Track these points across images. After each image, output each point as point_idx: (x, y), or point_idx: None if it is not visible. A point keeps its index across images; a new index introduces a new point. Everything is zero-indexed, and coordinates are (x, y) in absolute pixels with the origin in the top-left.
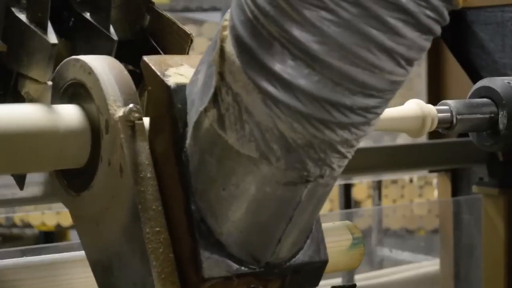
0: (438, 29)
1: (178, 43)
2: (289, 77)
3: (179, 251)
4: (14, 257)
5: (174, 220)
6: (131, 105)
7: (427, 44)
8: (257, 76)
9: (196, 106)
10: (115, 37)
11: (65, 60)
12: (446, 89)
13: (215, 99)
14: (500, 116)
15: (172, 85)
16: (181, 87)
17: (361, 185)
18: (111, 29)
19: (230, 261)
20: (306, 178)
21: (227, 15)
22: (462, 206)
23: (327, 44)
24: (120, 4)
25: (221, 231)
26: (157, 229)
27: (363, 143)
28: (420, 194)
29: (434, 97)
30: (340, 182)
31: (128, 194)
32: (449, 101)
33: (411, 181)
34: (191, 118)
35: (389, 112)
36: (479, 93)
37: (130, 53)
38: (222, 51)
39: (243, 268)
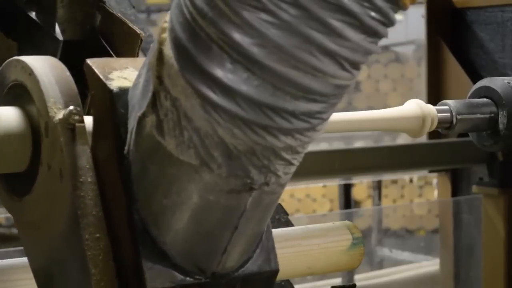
0: (384, 31)
1: (128, 43)
2: (228, 82)
3: (122, 261)
4: (14, 257)
5: (117, 229)
6: (71, 107)
7: (374, 47)
8: (196, 80)
9: (135, 111)
10: (60, 37)
11: (7, 61)
12: (446, 89)
13: (154, 104)
14: (500, 116)
15: (114, 89)
16: (124, 91)
17: (361, 185)
18: (57, 29)
19: (174, 272)
20: (250, 186)
21: (167, 17)
22: (462, 206)
23: (267, 47)
24: (69, 3)
25: (164, 241)
26: (97, 235)
27: (363, 143)
28: (420, 194)
29: (434, 97)
30: (340, 182)
31: (68, 199)
32: (449, 101)
33: (411, 181)
34: (131, 123)
35: (389, 112)
36: (479, 93)
37: (80, 54)
38: (160, 54)
39: (188, 278)
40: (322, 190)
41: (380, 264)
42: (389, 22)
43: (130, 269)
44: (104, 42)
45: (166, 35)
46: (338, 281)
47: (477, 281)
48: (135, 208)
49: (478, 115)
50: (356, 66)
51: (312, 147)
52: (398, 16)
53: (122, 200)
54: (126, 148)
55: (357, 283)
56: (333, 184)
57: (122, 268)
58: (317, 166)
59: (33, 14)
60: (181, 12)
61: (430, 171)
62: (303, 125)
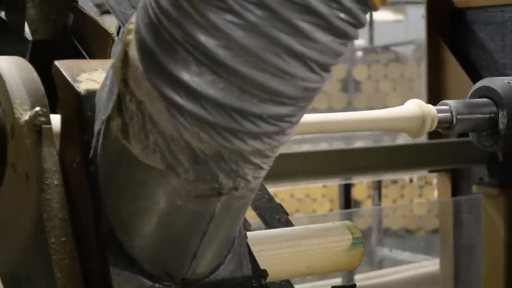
0: (354, 33)
1: (101, 44)
2: (193, 85)
3: (89, 265)
4: None
5: (84, 234)
6: (37, 109)
7: (343, 49)
8: (161, 83)
9: (101, 114)
10: (29, 37)
11: None
12: (446, 89)
13: (119, 107)
14: (500, 116)
15: (82, 92)
16: (92, 94)
17: (361, 185)
18: (26, 29)
19: (142, 278)
20: (219, 190)
21: (133, 18)
22: (462, 206)
23: (233, 49)
24: (40, 3)
25: (132, 246)
26: (63, 239)
27: (363, 143)
28: (420, 194)
29: (434, 97)
30: (340, 182)
31: (34, 202)
32: (449, 101)
33: (411, 181)
34: (97, 126)
35: (389, 112)
36: (479, 93)
37: (52, 54)
38: (125, 56)
39: (157, 285)
40: (322, 190)
41: (380, 264)
42: (359, 24)
43: (97, 274)
44: (76, 42)
45: (131, 36)
46: (338, 281)
47: (477, 281)
48: (103, 213)
49: (478, 115)
50: (325, 68)
51: (312, 147)
52: (398, 16)
53: (89, 204)
54: (92, 151)
55: (357, 283)
56: (333, 184)
57: (89, 273)
58: (317, 166)
59: (2, 14)
60: (146, 13)
61: (430, 171)
62: (271, 128)
